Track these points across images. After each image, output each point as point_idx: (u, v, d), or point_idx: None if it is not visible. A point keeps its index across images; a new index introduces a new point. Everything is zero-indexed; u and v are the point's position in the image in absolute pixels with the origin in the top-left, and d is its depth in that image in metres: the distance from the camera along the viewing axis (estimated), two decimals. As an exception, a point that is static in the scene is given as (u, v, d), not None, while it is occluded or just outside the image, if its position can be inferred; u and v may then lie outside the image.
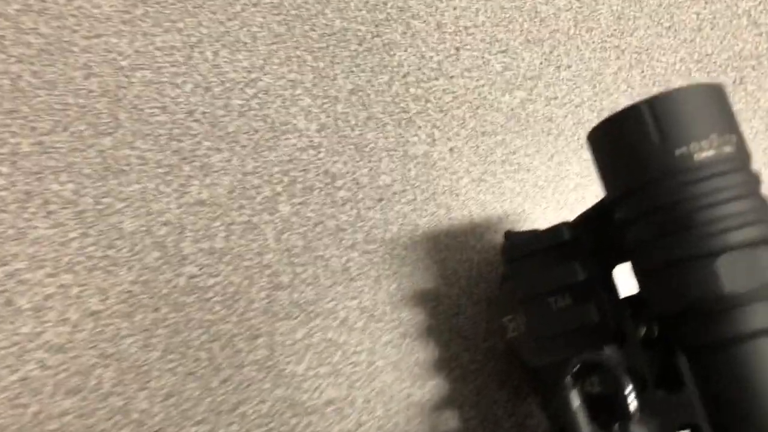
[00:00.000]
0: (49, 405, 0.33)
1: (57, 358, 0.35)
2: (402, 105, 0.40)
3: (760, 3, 0.46)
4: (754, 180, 0.26)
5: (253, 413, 0.35)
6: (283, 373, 0.35)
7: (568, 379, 0.27)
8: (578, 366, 0.27)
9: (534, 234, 0.30)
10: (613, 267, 0.29)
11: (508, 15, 0.42)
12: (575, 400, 0.27)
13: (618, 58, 0.43)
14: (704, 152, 0.25)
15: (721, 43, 0.45)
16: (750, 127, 0.43)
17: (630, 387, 0.26)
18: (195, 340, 0.35)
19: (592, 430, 0.26)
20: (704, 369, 0.25)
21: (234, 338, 0.35)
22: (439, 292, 0.37)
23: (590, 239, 0.29)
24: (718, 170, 0.25)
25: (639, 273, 0.27)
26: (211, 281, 0.36)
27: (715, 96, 0.26)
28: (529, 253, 0.30)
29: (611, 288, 0.28)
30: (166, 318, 0.35)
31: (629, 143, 0.26)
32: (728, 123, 0.26)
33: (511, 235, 0.33)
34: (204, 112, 0.39)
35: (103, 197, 0.37)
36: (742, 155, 0.26)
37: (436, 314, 0.37)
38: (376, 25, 0.41)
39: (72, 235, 0.36)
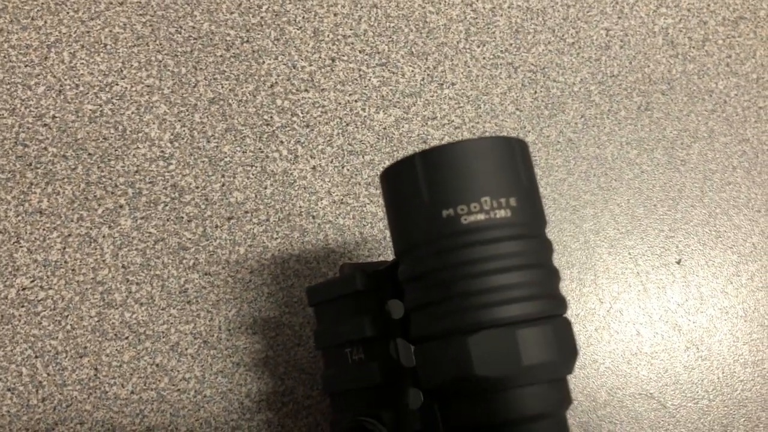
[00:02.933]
0: None
1: None
2: (265, 117, 0.39)
3: (680, 20, 0.43)
4: (537, 248, 0.25)
5: (70, 434, 0.35)
6: (106, 396, 0.35)
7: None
8: (349, 428, 0.27)
9: (336, 278, 0.30)
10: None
11: (393, 24, 0.41)
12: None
13: (509, 76, 0.41)
14: (473, 216, 0.24)
15: (630, 63, 0.43)
16: (651, 159, 0.41)
17: None
18: (18, 355, 0.35)
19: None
20: None
21: (59, 355, 0.36)
22: (281, 321, 0.37)
23: (385, 293, 0.28)
24: (486, 237, 0.24)
25: (411, 340, 0.26)
26: (42, 294, 0.36)
27: (503, 153, 0.25)
28: (328, 300, 0.30)
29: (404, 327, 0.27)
30: (-8, 331, 0.36)
31: (403, 197, 0.25)
32: (510, 184, 0.25)
33: (341, 269, 0.32)
34: (54, 117, 0.38)
35: (-62, 201, 0.37)
36: (523, 221, 0.25)
37: (275, 344, 0.36)
38: (248, 30, 0.40)
39: None
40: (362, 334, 0.29)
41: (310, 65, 0.42)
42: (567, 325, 0.26)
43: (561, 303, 0.26)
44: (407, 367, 0.28)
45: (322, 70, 0.42)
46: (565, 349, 0.25)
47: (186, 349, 0.37)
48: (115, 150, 0.39)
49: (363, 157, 0.41)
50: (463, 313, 0.24)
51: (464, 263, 0.25)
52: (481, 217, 0.25)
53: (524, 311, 0.25)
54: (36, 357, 0.37)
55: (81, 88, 0.40)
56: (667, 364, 0.40)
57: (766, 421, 0.39)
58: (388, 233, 0.40)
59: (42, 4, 0.41)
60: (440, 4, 0.43)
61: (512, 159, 0.26)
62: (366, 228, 0.40)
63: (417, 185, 0.26)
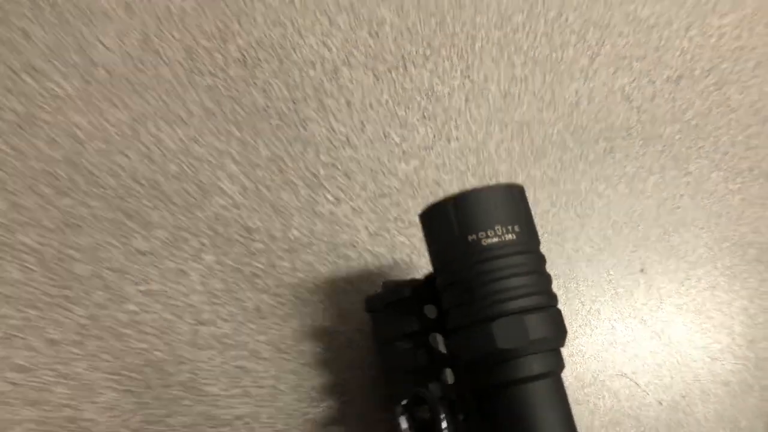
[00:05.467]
0: (14, 414, 0.44)
1: (21, 376, 0.46)
2: (313, 170, 0.51)
3: (634, 80, 0.56)
4: (535, 260, 0.37)
5: (178, 424, 0.46)
6: (203, 392, 0.46)
7: (399, 407, 0.38)
8: (408, 398, 0.38)
9: (386, 290, 0.41)
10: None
11: (408, 94, 0.53)
12: (403, 423, 0.38)
13: (501, 131, 0.53)
14: (490, 239, 0.36)
15: (596, 116, 0.55)
16: (615, 191, 0.54)
17: (443, 416, 0.37)
18: (132, 364, 0.46)
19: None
20: (488, 406, 0.36)
21: (163, 363, 0.47)
22: (335, 328, 0.48)
23: (423, 299, 0.39)
24: (499, 253, 0.36)
25: (447, 331, 0.38)
26: (147, 317, 0.47)
27: (508, 194, 0.37)
28: (384, 306, 0.41)
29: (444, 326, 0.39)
30: (110, 346, 0.47)
31: (439, 229, 0.37)
32: (513, 216, 0.37)
33: (384, 284, 0.44)
34: (146, 177, 0.50)
35: (62, 248, 0.48)
36: (524, 241, 0.37)
37: (332, 347, 0.48)
38: (294, 103, 0.52)
39: (36, 277, 0.48)
40: (410, 329, 0.40)
41: (345, 128, 0.54)
42: (559, 313, 0.38)
43: (554, 297, 0.38)
44: (442, 353, 0.39)
45: (355, 131, 0.54)
46: (559, 328, 0.37)
47: (263, 354, 0.49)
48: (196, 201, 0.51)
49: (391, 198, 0.53)
50: (487, 307, 0.36)
51: (486, 272, 0.36)
52: (495, 239, 0.37)
53: (529, 303, 0.36)
54: (145, 365, 0.48)
55: (166, 153, 0.52)
56: (637, 351, 0.52)
57: (715, 392, 0.51)
58: (413, 257, 0.52)
59: (129, 87, 0.53)
60: (444, 76, 0.56)
61: (514, 198, 0.38)
62: (396, 254, 0.52)
63: (449, 220, 0.37)
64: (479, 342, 0.36)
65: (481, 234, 0.37)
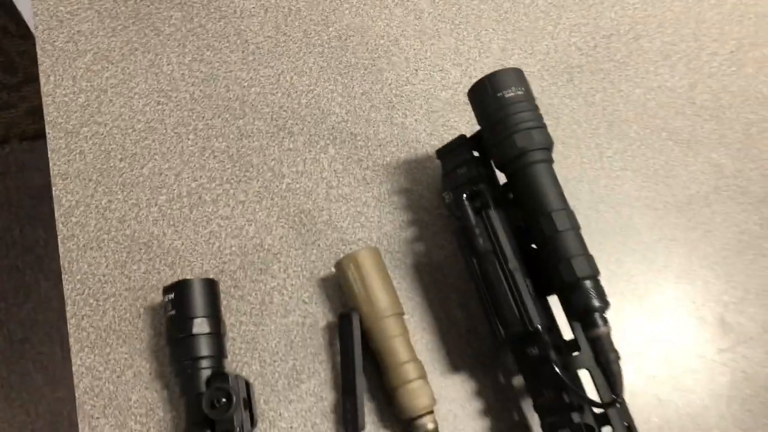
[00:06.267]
0: (223, 242, 0.75)
1: (228, 222, 0.76)
2: (388, 98, 0.84)
3: (582, 38, 0.90)
4: (534, 105, 0.69)
5: (323, 241, 0.76)
6: (336, 226, 0.77)
7: (465, 196, 0.69)
8: (469, 191, 0.69)
9: (450, 142, 0.73)
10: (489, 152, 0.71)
11: (443, 51, 0.86)
12: (467, 204, 0.69)
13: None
14: (508, 94, 0.68)
15: (559, 59, 0.89)
16: (577, 102, 0.86)
17: (491, 200, 0.69)
18: (294, 212, 0.77)
19: (474, 215, 0.68)
20: (515, 182, 0.67)
21: (311, 211, 0.78)
22: (411, 187, 0.80)
23: (477, 141, 0.71)
24: (515, 101, 0.68)
25: (488, 149, 0.69)
26: (298, 185, 0.79)
27: (516, 71, 0.69)
28: (449, 151, 0.73)
29: (486, 162, 0.71)
30: (277, 203, 0.77)
31: (481, 94, 0.69)
32: (520, 81, 0.69)
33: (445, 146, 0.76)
34: (287, 106, 0.82)
35: (241, 148, 0.79)
36: (527, 95, 0.69)
37: (411, 198, 0.79)
38: (373, 60, 0.85)
39: (227, 166, 0.78)
40: (465, 158, 0.72)
41: (406, 73, 0.86)
42: (547, 131, 0.69)
43: (544, 126, 0.69)
44: (486, 171, 0.71)
45: (412, 75, 0.86)
46: (548, 138, 0.68)
47: (370, 204, 0.80)
48: (320, 119, 0.83)
49: (438, 113, 0.85)
50: (511, 128, 0.67)
51: (509, 110, 0.68)
52: (512, 94, 0.68)
53: (532, 125, 0.67)
54: (299, 213, 0.79)
55: (298, 92, 0.84)
56: (604, 194, 0.83)
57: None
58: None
59: (272, 55, 0.85)
60: (464, 41, 0.89)
61: (519, 73, 0.70)
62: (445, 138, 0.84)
63: (486, 87, 0.69)
64: (509, 147, 0.68)
65: (505, 92, 0.69)
